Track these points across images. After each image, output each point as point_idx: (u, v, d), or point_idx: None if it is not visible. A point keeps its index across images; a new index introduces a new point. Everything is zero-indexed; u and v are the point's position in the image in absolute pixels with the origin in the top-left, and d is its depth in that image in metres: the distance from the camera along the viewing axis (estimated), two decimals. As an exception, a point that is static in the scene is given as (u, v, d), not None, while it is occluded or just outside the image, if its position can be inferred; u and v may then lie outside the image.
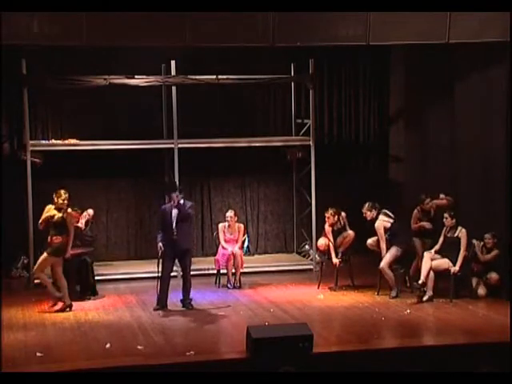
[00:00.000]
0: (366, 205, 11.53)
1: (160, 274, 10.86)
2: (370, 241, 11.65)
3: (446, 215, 11.23)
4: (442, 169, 12.77)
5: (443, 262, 11.07)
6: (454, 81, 12.47)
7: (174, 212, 10.80)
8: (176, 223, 10.75)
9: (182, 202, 10.80)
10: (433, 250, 11.24)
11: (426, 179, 13.14)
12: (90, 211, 12.27)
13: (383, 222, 11.40)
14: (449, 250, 11.12)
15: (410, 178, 13.78)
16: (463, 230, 11.11)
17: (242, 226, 12.46)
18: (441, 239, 11.25)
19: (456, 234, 11.15)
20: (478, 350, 8.81)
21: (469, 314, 10.47)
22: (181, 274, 11.33)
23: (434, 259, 11.13)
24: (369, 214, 11.49)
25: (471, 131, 12.11)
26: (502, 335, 9.18)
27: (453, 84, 12.48)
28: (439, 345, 9.19)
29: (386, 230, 11.39)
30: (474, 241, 11.23)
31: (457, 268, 11.01)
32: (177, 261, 11.05)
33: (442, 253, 11.16)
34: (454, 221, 11.17)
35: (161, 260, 10.90)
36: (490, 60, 11.71)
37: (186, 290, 10.95)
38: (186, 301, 10.91)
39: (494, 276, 11.17)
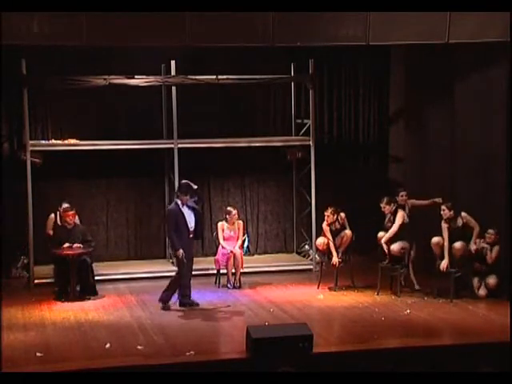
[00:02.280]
0: (385, 199, 11.67)
1: (182, 273, 10.90)
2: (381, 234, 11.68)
3: (443, 207, 11.24)
4: (441, 169, 12.77)
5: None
6: (454, 81, 12.46)
7: (187, 211, 10.86)
8: (196, 222, 10.91)
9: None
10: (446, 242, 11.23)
11: (426, 179, 13.14)
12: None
13: (405, 214, 11.58)
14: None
15: (410, 178, 13.76)
16: (463, 214, 11.17)
17: (241, 222, 12.48)
18: (445, 232, 11.21)
19: (460, 223, 11.19)
20: (478, 350, 8.82)
21: (469, 314, 10.48)
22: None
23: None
24: (387, 208, 11.62)
25: (471, 131, 12.11)
26: (502, 335, 9.19)
27: (453, 84, 12.48)
28: (439, 345, 9.20)
29: (404, 223, 11.49)
30: (478, 241, 11.24)
31: (473, 246, 11.10)
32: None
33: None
34: (452, 212, 11.18)
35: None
36: (489, 60, 11.71)
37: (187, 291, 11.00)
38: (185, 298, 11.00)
39: (491, 281, 11.13)
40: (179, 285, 10.94)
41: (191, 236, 10.95)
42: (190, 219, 10.89)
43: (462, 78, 12.29)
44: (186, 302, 10.92)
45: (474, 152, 12.09)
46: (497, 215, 11.55)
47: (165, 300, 10.87)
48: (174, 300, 10.98)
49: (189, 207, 10.93)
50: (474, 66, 12.03)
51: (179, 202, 10.89)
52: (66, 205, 12.04)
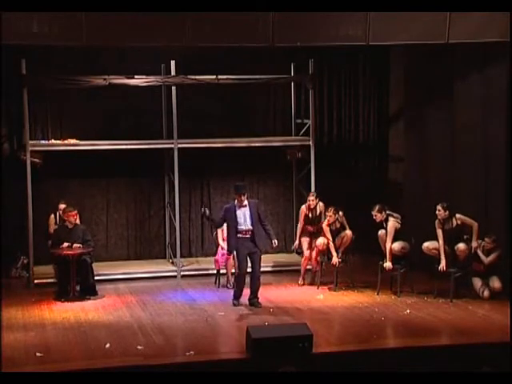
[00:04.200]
0: (376, 207, 11.56)
1: (238, 271, 10.93)
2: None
3: (438, 207, 11.21)
4: (441, 169, 12.77)
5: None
6: (454, 81, 12.46)
7: (242, 211, 10.88)
8: (252, 221, 10.89)
9: (246, 202, 10.97)
10: (441, 242, 11.21)
11: (426, 179, 13.14)
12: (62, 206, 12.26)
13: (396, 223, 11.49)
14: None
15: (410, 178, 13.77)
16: (458, 215, 11.14)
17: None
18: (439, 232, 11.20)
19: (454, 225, 11.17)
20: (478, 350, 8.82)
21: (469, 313, 10.47)
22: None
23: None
24: (378, 216, 11.53)
25: (471, 131, 12.11)
26: (502, 335, 9.20)
27: (452, 84, 12.48)
28: (439, 345, 9.20)
29: (397, 230, 11.46)
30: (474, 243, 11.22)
31: (475, 244, 11.08)
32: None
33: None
34: (446, 213, 11.16)
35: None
36: (489, 60, 11.71)
37: (254, 288, 10.99)
38: (254, 299, 10.96)
39: (496, 286, 11.07)
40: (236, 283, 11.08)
41: (246, 236, 10.89)
42: (244, 220, 10.89)
43: (462, 77, 12.29)
44: (252, 301, 10.98)
45: (474, 152, 12.08)
46: (497, 215, 11.54)
47: (234, 297, 10.97)
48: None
49: (249, 207, 10.94)
50: (473, 65, 12.02)
51: (236, 203, 10.95)
52: (62, 205, 12.06)
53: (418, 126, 13.59)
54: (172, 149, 12.83)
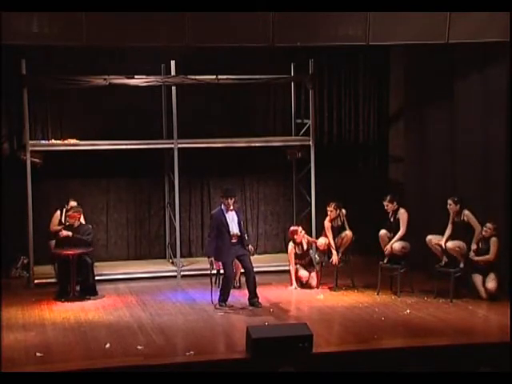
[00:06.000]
0: (388, 197, 11.68)
1: (226, 275, 10.88)
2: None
3: (449, 201, 11.28)
4: (442, 169, 12.76)
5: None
6: (454, 80, 12.46)
7: (230, 216, 10.89)
8: (239, 227, 10.94)
9: (232, 206, 10.97)
10: (444, 239, 11.28)
11: (426, 179, 13.14)
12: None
13: (407, 212, 11.58)
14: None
15: (410, 178, 13.77)
16: (466, 212, 11.19)
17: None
18: (449, 226, 11.29)
19: (462, 218, 11.22)
20: (478, 350, 8.82)
21: (469, 313, 10.47)
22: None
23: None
24: (390, 207, 11.64)
25: (471, 131, 12.11)
26: (501, 335, 9.20)
27: (452, 84, 12.48)
28: (439, 345, 9.19)
29: (409, 222, 11.52)
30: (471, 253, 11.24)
31: (474, 246, 11.11)
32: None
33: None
34: (458, 207, 11.22)
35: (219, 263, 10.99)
36: (489, 59, 11.71)
37: (252, 288, 10.96)
38: (254, 299, 10.92)
39: (490, 286, 11.00)
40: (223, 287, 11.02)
41: (234, 241, 10.90)
42: (233, 224, 10.91)
43: (462, 77, 12.28)
44: (252, 302, 10.96)
45: (473, 152, 12.08)
46: (497, 215, 11.53)
47: (219, 300, 10.89)
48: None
49: (235, 212, 10.97)
50: (473, 65, 12.02)
51: (223, 207, 10.94)
52: (73, 203, 12.07)
53: (417, 126, 13.59)
54: (172, 149, 12.84)
